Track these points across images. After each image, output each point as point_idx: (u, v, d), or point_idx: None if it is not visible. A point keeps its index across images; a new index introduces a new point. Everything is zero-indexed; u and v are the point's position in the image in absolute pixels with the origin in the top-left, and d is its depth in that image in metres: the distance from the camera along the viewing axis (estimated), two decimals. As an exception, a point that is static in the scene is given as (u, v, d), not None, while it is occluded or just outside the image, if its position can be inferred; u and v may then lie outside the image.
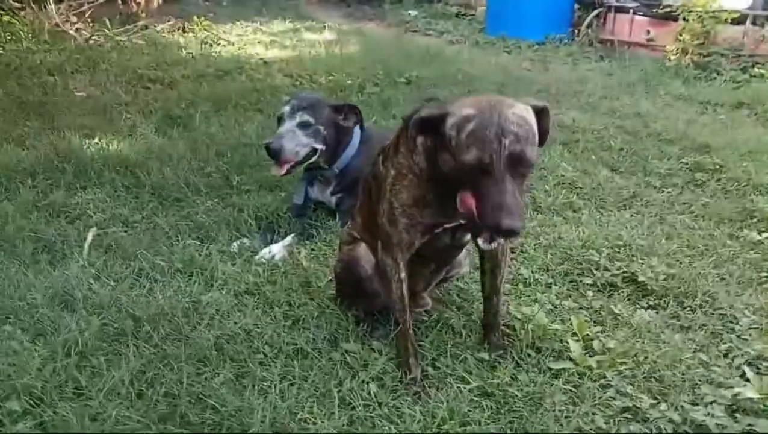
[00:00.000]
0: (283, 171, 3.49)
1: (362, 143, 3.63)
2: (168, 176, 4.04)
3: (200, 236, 3.40)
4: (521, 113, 1.86)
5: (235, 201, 3.80)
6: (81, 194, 3.79)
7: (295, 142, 3.45)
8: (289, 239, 3.38)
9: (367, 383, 2.29)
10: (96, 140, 4.62)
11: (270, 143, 3.43)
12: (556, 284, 3.04)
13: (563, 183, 4.17)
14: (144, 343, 2.43)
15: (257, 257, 3.23)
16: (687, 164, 4.63)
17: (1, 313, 2.59)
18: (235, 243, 3.35)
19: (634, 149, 4.90)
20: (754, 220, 3.80)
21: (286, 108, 3.53)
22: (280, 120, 3.54)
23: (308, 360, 2.43)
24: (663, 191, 4.22)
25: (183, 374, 2.25)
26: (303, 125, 3.48)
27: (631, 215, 3.85)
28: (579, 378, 2.42)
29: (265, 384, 2.26)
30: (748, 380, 2.43)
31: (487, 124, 1.80)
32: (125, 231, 3.45)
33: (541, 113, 1.98)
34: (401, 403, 2.21)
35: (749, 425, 2.23)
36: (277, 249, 3.28)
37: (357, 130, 3.63)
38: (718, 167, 4.52)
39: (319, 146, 3.51)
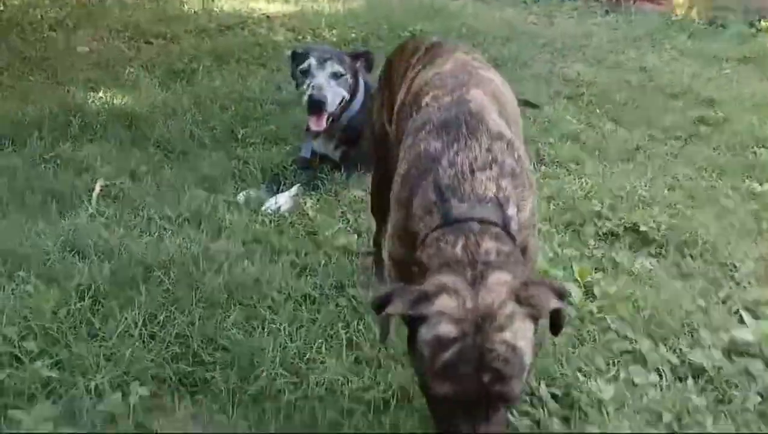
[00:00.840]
0: (323, 125, 3.49)
1: (366, 95, 3.64)
2: (173, 130, 4.06)
3: (206, 187, 3.43)
4: (513, 340, 1.45)
5: (240, 154, 3.83)
6: (87, 147, 3.81)
7: (332, 93, 3.46)
8: (294, 189, 3.40)
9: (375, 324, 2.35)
10: (100, 94, 4.61)
11: (312, 94, 3.42)
12: (558, 234, 3.08)
13: (567, 136, 4.18)
14: (155, 288, 2.49)
15: (263, 207, 3.26)
16: (691, 117, 4.63)
17: (13, 259, 2.63)
18: (241, 194, 3.38)
19: (639, 102, 4.90)
20: (757, 172, 3.83)
21: (312, 60, 3.51)
22: (305, 73, 3.52)
23: (315, 304, 2.49)
24: (666, 144, 4.24)
25: (194, 316, 2.32)
26: (335, 75, 3.49)
27: (634, 167, 3.88)
28: (581, 322, 2.48)
29: (274, 326, 2.32)
30: (744, 324, 2.49)
31: (467, 357, 1.42)
32: (132, 183, 3.48)
33: (556, 315, 1.59)
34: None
35: (746, 365, 2.30)
36: (283, 200, 3.31)
37: (362, 81, 3.65)
38: (722, 120, 4.54)
39: (347, 96, 3.53)
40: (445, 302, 1.47)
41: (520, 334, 1.46)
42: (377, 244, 2.71)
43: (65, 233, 2.80)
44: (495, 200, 1.64)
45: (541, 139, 4.12)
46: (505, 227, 1.63)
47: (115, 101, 4.53)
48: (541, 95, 4.86)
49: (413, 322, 1.51)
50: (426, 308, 1.48)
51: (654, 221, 3.15)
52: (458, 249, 1.56)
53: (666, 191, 3.56)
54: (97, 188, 3.38)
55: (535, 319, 1.51)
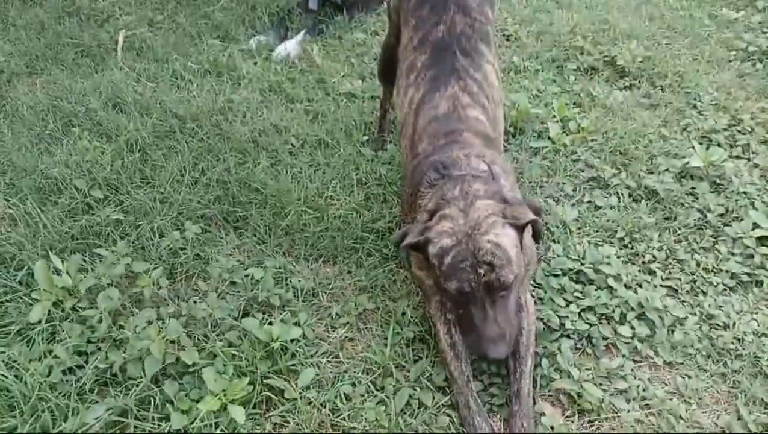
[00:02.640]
0: None
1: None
2: (182, -27, 4.25)
3: (220, 35, 3.72)
4: (496, 239, 1.88)
5: (247, -2, 4.06)
6: (104, -4, 4.05)
7: None
8: (301, 35, 3.69)
9: (380, 165, 2.78)
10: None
11: None
12: (543, 71, 3.41)
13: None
14: (191, 138, 2.90)
15: (274, 54, 3.58)
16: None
17: (64, 116, 3.03)
18: (252, 40, 3.68)
19: None
20: (734, -1, 4.06)
21: None
22: None
23: (329, 148, 2.91)
24: (652, -30, 4.40)
25: (228, 163, 2.75)
26: None
27: (621, -5, 4.10)
28: (554, 154, 2.90)
29: (295, 169, 2.76)
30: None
31: (463, 256, 1.86)
32: (151, 32, 3.77)
33: (526, 227, 1.97)
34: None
35: (692, 188, 2.75)
36: (291, 46, 3.61)
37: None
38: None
39: None
40: (443, 225, 1.94)
41: (502, 235, 1.90)
42: (383, 107, 3.02)
43: (105, 90, 3.16)
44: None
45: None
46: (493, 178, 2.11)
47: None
48: None
49: (424, 245, 1.95)
50: (430, 233, 1.94)
51: (630, 54, 3.46)
52: (456, 191, 2.03)
53: (647, 21, 3.82)
54: (121, 40, 3.68)
55: (516, 227, 1.94)
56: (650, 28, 3.74)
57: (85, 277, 2.21)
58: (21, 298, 2.21)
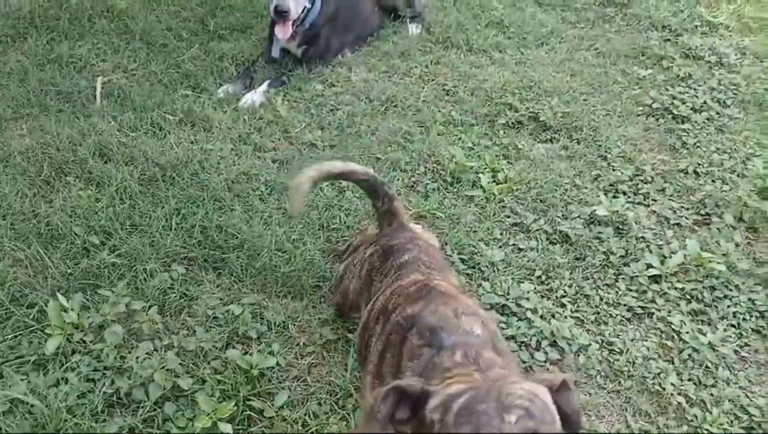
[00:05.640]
0: (290, 32, 4.16)
1: (323, 2, 4.30)
2: (152, 21, 4.64)
3: (191, 84, 4.13)
4: (529, 387, 1.39)
5: (214, 47, 4.47)
6: (81, 44, 4.40)
7: (295, 3, 4.12)
8: (265, 85, 4.13)
9: (341, 212, 3.25)
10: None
11: (278, 4, 4.06)
12: (477, 125, 3.93)
13: (494, 22, 4.90)
14: (172, 186, 3.31)
15: (240, 103, 4.00)
16: (601, -4, 5.35)
17: (55, 163, 3.40)
18: (220, 89, 4.10)
19: (558, -20, 5.55)
20: (645, 57, 4.66)
21: None
22: None
23: (294, 195, 3.35)
24: (576, 27, 5.01)
25: (207, 209, 3.17)
26: None
27: (546, 53, 4.67)
28: (486, 202, 3.42)
29: (266, 215, 3.20)
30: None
31: (483, 398, 1.35)
32: (126, 79, 4.15)
33: (559, 390, 1.47)
34: (366, 225, 3.19)
35: (599, 232, 3.29)
36: (256, 96, 4.04)
37: (318, -10, 4.29)
38: (626, 1, 5.25)
39: (308, 5, 4.18)
40: (452, 383, 1.46)
41: (537, 388, 1.41)
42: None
43: (91, 138, 3.53)
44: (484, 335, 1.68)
45: (470, 26, 4.83)
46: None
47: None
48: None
49: (420, 400, 1.44)
50: (431, 387, 1.46)
51: (552, 110, 4.01)
52: (458, 357, 1.57)
53: (569, 77, 4.39)
54: (99, 87, 4.05)
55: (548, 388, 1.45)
56: (571, 83, 4.31)
57: (90, 314, 2.62)
58: (34, 332, 2.60)
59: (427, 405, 1.42)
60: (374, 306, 2.13)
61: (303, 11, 4.20)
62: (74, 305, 2.63)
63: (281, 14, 4.07)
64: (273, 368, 2.55)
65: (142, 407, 2.37)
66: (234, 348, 2.62)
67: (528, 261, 3.12)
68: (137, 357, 2.50)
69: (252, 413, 2.41)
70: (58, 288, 2.75)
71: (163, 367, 2.44)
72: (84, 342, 2.57)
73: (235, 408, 2.37)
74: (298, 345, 2.70)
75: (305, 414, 2.44)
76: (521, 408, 1.32)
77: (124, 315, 2.68)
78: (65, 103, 3.89)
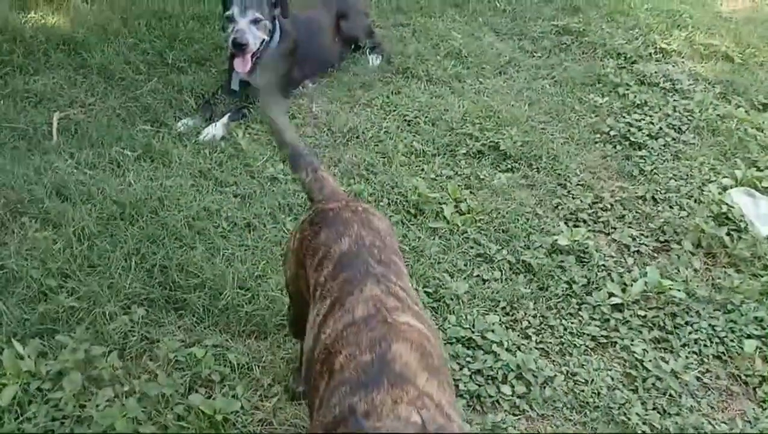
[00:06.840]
0: (249, 65, 4.16)
1: (282, 35, 4.31)
2: (109, 55, 4.58)
3: (150, 118, 4.08)
4: None
5: (173, 80, 4.43)
6: (37, 78, 4.33)
7: (253, 36, 4.11)
8: (226, 118, 4.11)
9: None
10: (32, 13, 4.98)
11: (236, 37, 4.07)
12: (438, 155, 3.96)
13: (452, 53, 4.95)
14: (131, 225, 3.26)
15: (200, 137, 3.97)
16: (557, 26, 5.43)
17: (10, 203, 3.32)
18: (180, 123, 4.07)
19: (516, 9, 5.64)
20: (601, 84, 4.75)
21: (235, 8, 4.12)
22: (230, 19, 4.14)
23: (257, 231, 3.33)
24: (534, 56, 5.09)
25: (168, 249, 3.13)
26: (255, 21, 4.14)
27: (505, 82, 4.73)
28: (450, 233, 3.43)
29: (228, 252, 3.17)
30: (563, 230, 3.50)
31: None
32: (84, 113, 4.09)
33: None
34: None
35: (561, 262, 3.33)
36: (217, 128, 4.02)
37: (278, 24, 4.29)
38: (582, 30, 5.36)
39: (267, 38, 4.19)
40: None
41: None
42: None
43: (47, 177, 3.46)
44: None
45: (430, 56, 4.88)
46: None
47: (47, 21, 4.93)
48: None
49: None
50: None
51: (511, 139, 4.05)
52: None
53: (527, 107, 4.45)
54: (55, 122, 3.98)
55: None
56: (529, 112, 4.37)
57: (47, 361, 2.55)
58: (-13, 382, 2.52)
59: None
60: (320, 337, 1.76)
61: (261, 44, 4.19)
62: (31, 352, 2.56)
63: (240, 47, 4.06)
64: (237, 412, 2.51)
65: (103, 457, 2.31)
66: (197, 391, 2.57)
67: (492, 292, 3.14)
68: (97, 405, 2.43)
69: (217, 459, 2.37)
70: (14, 334, 2.67)
71: (124, 415, 2.38)
72: (41, 390, 2.49)
73: (200, 454, 2.33)
74: (262, 386, 2.65)
75: (271, 459, 2.40)
76: None
77: (83, 361, 2.62)
78: (20, 140, 3.81)
